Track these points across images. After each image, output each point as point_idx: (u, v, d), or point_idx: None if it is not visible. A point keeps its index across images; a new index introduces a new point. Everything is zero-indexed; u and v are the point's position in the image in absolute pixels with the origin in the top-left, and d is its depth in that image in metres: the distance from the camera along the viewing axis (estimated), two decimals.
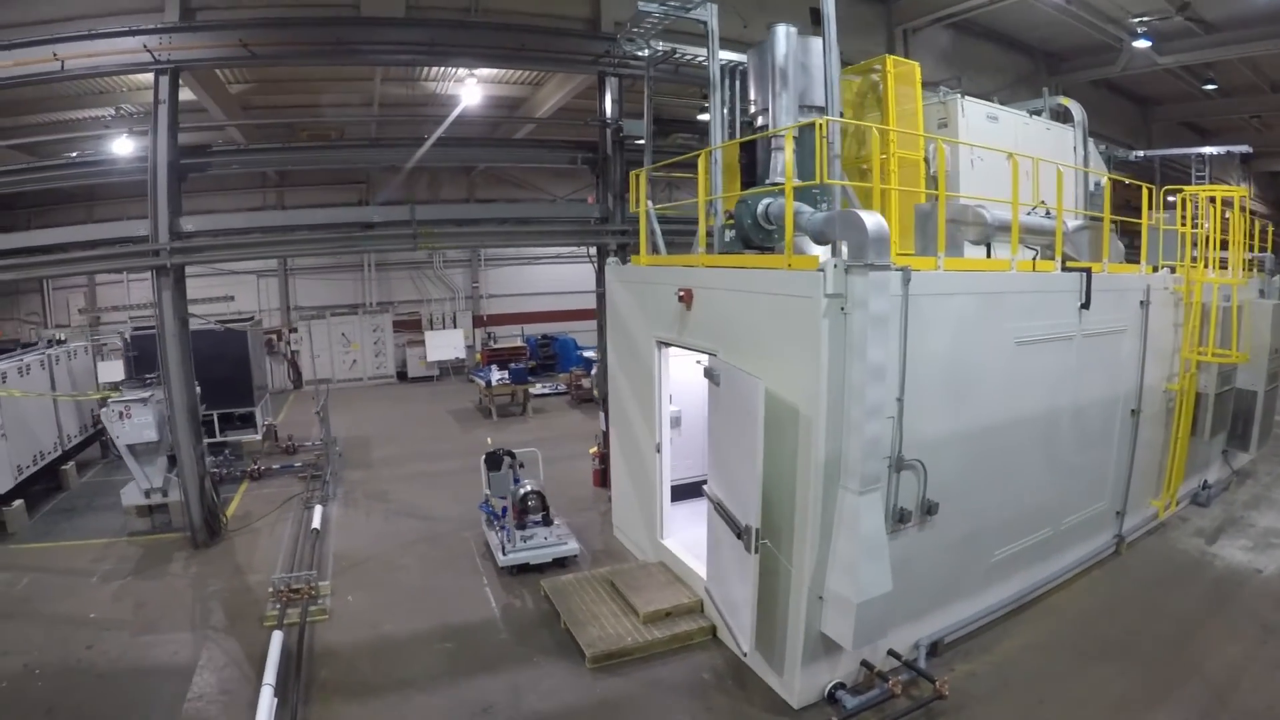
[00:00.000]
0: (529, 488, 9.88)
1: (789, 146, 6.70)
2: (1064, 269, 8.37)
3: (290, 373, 22.46)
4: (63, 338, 14.38)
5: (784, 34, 7.76)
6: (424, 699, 7.05)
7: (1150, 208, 9.90)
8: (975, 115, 9.58)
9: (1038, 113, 10.82)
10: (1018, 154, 8.63)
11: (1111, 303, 8.86)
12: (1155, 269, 9.96)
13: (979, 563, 7.82)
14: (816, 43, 8.01)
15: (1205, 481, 11.52)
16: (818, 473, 6.10)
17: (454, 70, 14.10)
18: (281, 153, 11.43)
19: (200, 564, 10.03)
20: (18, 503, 11.14)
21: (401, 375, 24.40)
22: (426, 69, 14.25)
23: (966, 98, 9.53)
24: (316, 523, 10.99)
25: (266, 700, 6.58)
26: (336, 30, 9.90)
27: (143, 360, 13.10)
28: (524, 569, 9.48)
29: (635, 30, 8.81)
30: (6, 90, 9.74)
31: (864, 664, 6.81)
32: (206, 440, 14.03)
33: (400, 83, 15.01)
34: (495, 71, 14.57)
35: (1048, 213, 8.73)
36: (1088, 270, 8.38)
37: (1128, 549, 9.72)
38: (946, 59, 15.43)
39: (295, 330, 22.56)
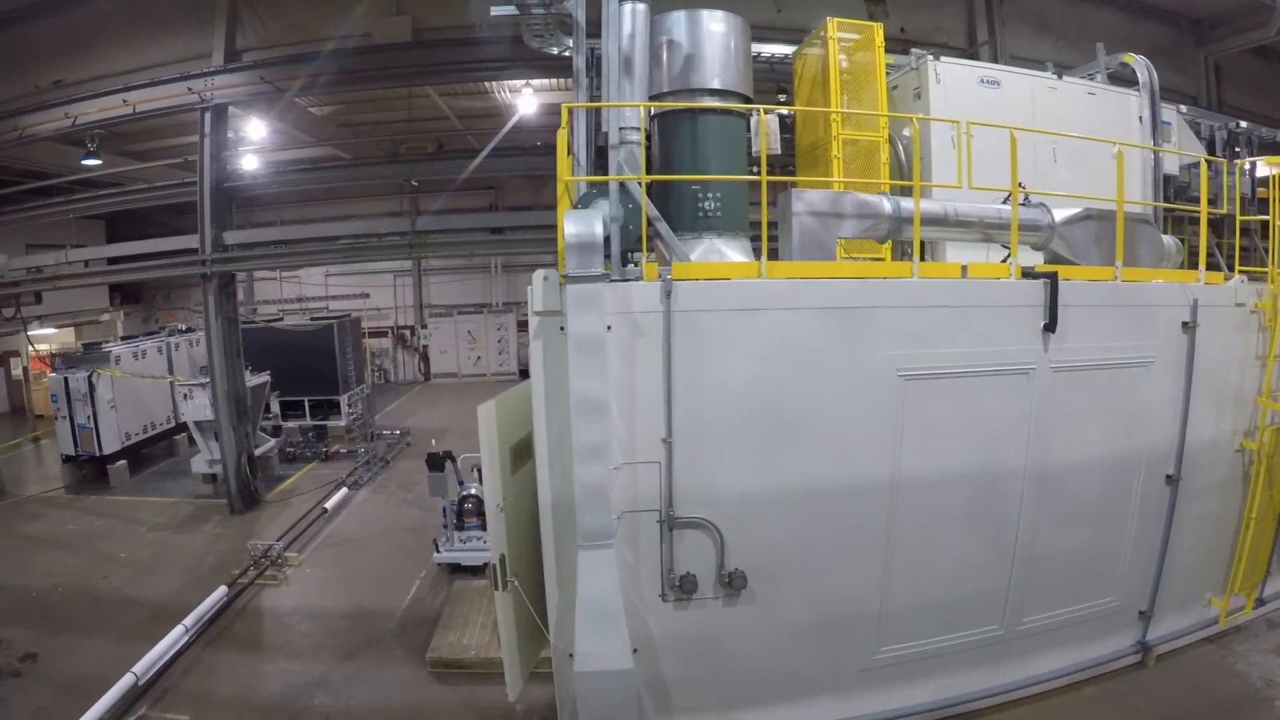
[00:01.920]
0: (470, 491, 10.89)
1: (561, 139, 6.22)
2: (1030, 275, 6.66)
3: (420, 366, 25.90)
4: (184, 327, 18.37)
5: (629, 13, 7.12)
6: (286, 663, 8.41)
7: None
8: (960, 81, 8.31)
9: (1094, 75, 9.41)
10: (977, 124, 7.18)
11: (1124, 324, 7.04)
12: (1227, 277, 7.78)
13: (853, 657, 6.65)
14: (711, 17, 7.47)
15: None
16: (546, 517, 5.87)
17: (510, 83, 15.60)
18: (318, 171, 13.73)
19: (227, 527, 12.49)
20: (121, 462, 14.61)
21: (524, 372, 26.61)
22: (489, 83, 15.90)
23: (944, 59, 8.37)
24: (330, 504, 13.07)
25: (173, 635, 8.52)
26: (342, 60, 11.66)
27: (246, 350, 16.35)
28: (459, 568, 10.54)
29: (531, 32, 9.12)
30: (136, 122, 13.03)
31: None
32: (299, 423, 17.24)
33: (472, 96, 16.85)
34: (550, 80, 15.76)
35: (1026, 198, 7.17)
36: (1051, 277, 6.57)
37: (1156, 662, 7.69)
38: (1052, 31, 13.56)
39: (425, 326, 25.95)
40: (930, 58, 8.33)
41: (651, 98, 7.73)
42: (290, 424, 17.08)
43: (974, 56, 13.00)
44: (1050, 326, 6.55)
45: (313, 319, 18.10)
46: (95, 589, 10.33)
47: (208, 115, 11.87)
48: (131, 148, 16.88)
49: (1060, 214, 7.26)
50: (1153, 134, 9.37)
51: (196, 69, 11.85)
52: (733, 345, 5.85)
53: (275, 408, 16.38)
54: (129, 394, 14.51)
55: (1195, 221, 8.62)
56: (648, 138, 7.68)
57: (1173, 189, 9.80)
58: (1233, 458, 7.86)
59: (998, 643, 7.05)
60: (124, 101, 11.79)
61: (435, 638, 8.53)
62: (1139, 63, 9.43)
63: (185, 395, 12.97)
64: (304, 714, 7.50)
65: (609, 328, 5.51)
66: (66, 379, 13.83)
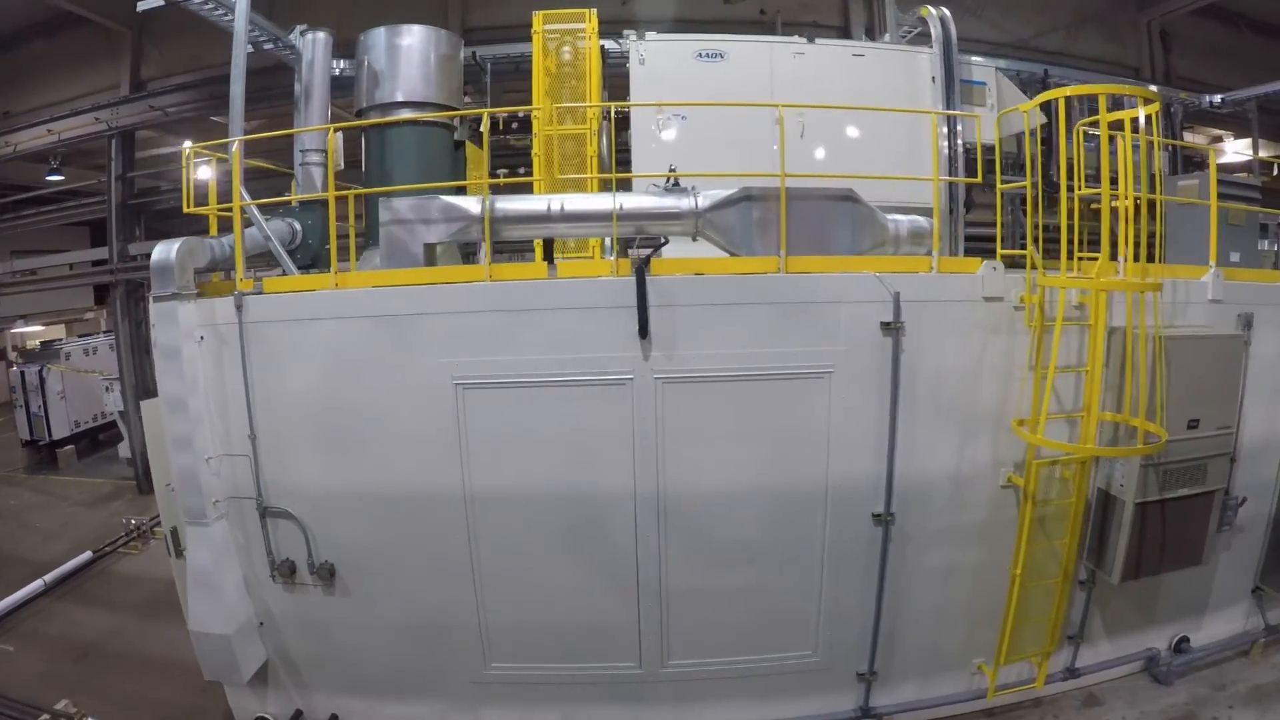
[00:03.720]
0: None
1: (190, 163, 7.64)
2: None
3: None
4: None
5: (309, 43, 8.36)
6: (105, 615, 10.71)
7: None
8: (670, 58, 8.50)
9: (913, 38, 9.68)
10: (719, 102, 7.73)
11: (784, 325, 6.45)
12: (1001, 264, 6.75)
13: (462, 667, 7.19)
14: (407, 32, 8.32)
15: (1182, 639, 7.97)
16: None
17: None
18: None
19: (128, 504, 15.14)
20: (69, 447, 17.77)
21: None
22: None
23: (651, 36, 8.60)
24: None
25: (31, 587, 11.12)
26: (213, 87, 14.14)
27: None
28: None
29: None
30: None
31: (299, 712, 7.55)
32: None
33: None
34: None
35: (675, 182, 7.02)
36: (639, 272, 6.20)
37: None
38: (955, 4, 14.04)
39: None
40: (633, 36, 8.57)
41: (357, 114, 8.92)
42: None
43: (847, 36, 13.30)
44: (642, 330, 6.24)
45: None
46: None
47: (114, 141, 14.71)
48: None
49: (708, 197, 6.80)
50: (946, 97, 9.13)
51: (107, 99, 14.76)
52: (296, 354, 6.66)
53: None
54: (78, 386, 17.75)
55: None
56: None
57: (1008, 162, 9.87)
58: (999, 496, 6.97)
59: (639, 681, 7.10)
60: (49, 131, 14.82)
61: None
62: (932, 17, 9.45)
63: (107, 388, 15.96)
64: (94, 653, 9.81)
65: (201, 338, 6.75)
66: (23, 372, 17.21)
